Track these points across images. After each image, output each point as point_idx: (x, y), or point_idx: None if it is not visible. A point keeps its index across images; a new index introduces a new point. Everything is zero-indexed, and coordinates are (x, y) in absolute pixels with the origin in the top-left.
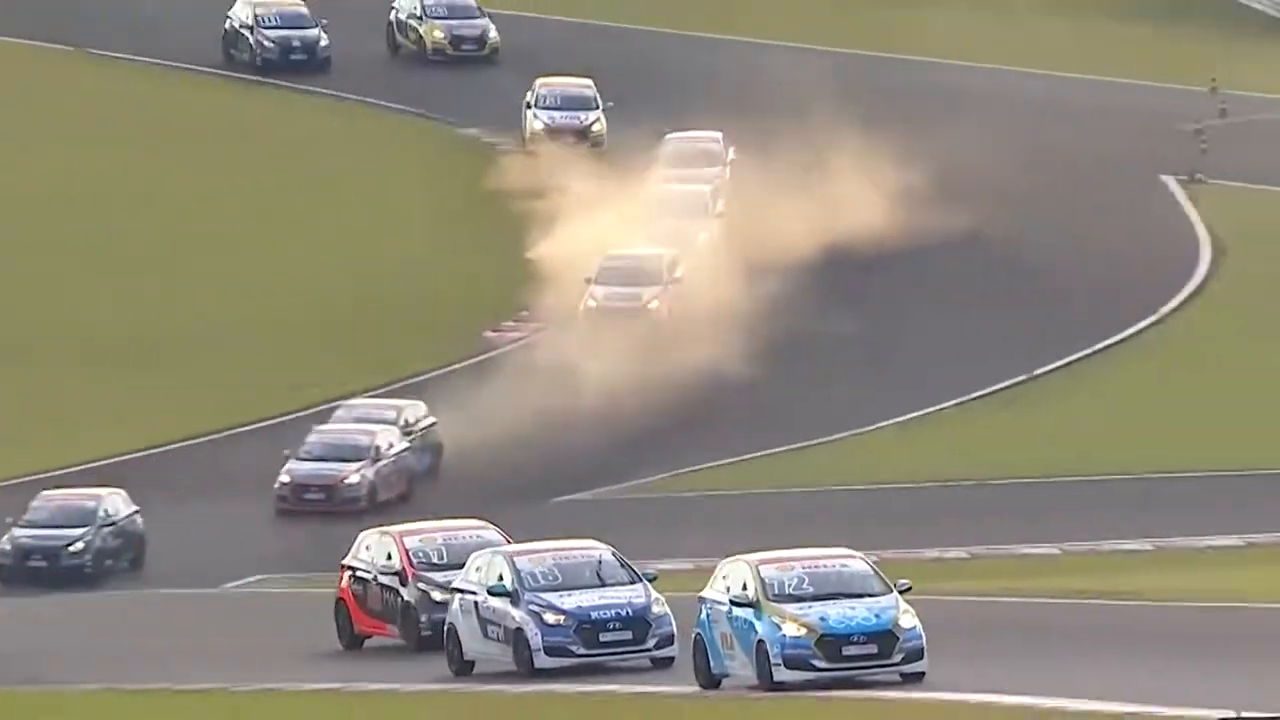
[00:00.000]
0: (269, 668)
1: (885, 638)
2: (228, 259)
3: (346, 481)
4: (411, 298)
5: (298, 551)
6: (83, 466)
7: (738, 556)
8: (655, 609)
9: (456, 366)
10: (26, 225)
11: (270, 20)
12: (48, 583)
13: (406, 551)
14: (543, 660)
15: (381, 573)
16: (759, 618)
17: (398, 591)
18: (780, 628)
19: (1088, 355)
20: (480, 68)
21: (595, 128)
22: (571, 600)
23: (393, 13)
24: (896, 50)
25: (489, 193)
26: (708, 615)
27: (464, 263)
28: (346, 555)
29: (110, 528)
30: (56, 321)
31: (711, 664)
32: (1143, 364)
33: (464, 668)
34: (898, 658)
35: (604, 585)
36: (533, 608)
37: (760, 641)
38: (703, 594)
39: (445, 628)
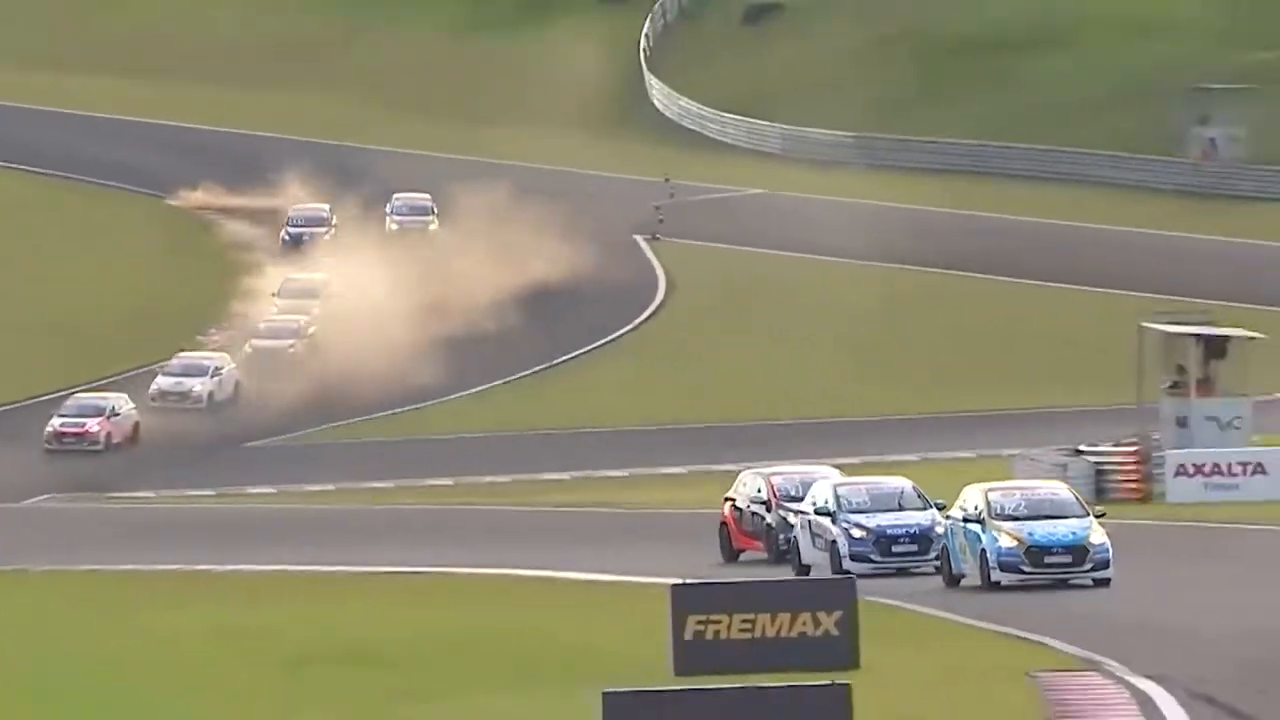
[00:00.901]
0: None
1: (1079, 550)
2: None
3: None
4: (130, 316)
5: (62, 477)
6: None
7: (974, 484)
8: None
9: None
10: None
11: None
12: None
13: (773, 487)
14: (849, 565)
15: (753, 503)
16: (984, 531)
17: (764, 517)
18: (998, 539)
19: (592, 349)
20: None
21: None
22: (874, 520)
23: None
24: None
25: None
26: (950, 529)
27: (180, 290)
28: (730, 489)
29: None
30: None
31: (953, 566)
32: (627, 356)
33: (802, 570)
34: (1088, 566)
35: (902, 510)
36: (844, 524)
37: (983, 550)
38: (949, 513)
39: (791, 541)
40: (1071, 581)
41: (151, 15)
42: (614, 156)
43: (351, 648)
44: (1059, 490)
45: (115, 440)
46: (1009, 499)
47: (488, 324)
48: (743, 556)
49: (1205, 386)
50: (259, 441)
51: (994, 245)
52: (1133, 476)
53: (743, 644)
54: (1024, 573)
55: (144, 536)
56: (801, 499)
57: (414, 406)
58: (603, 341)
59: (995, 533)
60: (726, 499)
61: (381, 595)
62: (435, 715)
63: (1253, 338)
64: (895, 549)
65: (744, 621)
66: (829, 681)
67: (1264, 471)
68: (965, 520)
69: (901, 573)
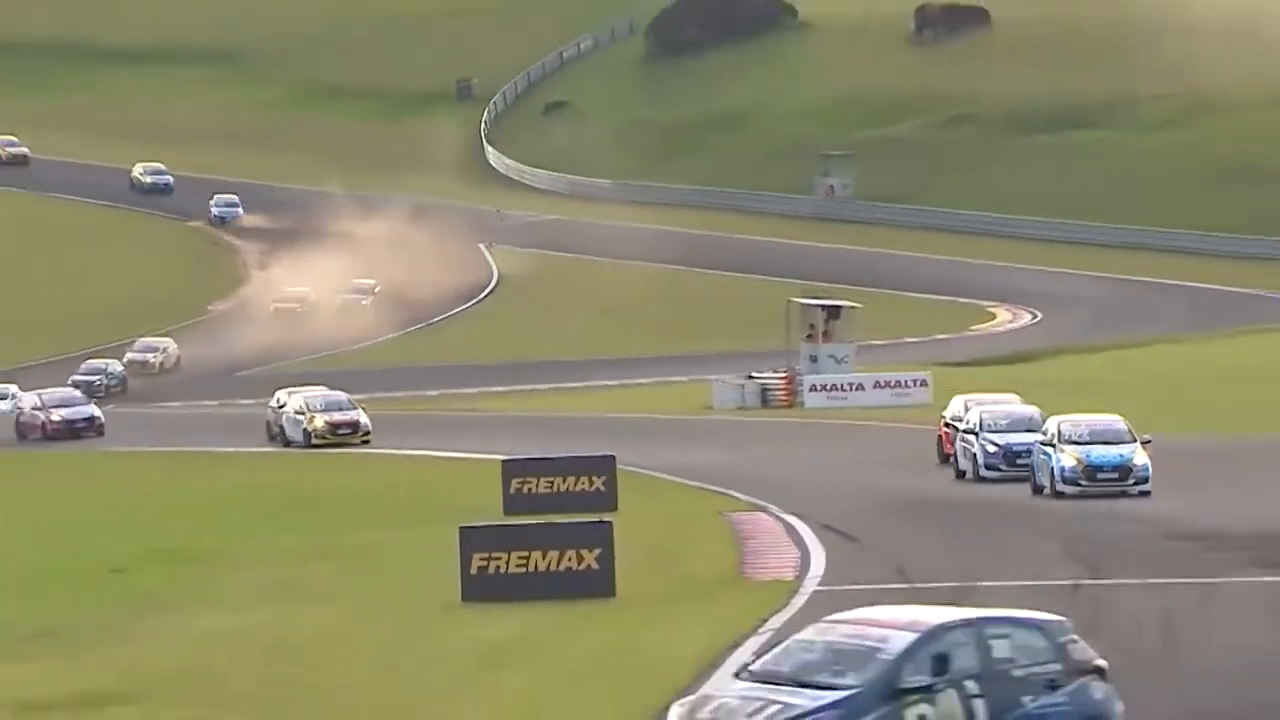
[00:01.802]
0: None
1: (1125, 470)
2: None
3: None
4: (155, 297)
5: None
6: None
7: (1056, 416)
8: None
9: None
10: None
11: None
12: None
13: (981, 417)
14: (984, 473)
15: (953, 420)
16: (1054, 452)
17: (958, 430)
18: (1062, 460)
19: (456, 312)
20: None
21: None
22: (1005, 439)
23: None
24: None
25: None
26: (1034, 449)
27: (188, 282)
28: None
29: None
30: None
31: (1036, 479)
32: (476, 318)
33: (959, 474)
34: (1132, 482)
35: (1029, 431)
36: (983, 441)
37: (1051, 468)
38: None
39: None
40: (1120, 493)
41: (165, 101)
42: (465, 195)
43: (303, 497)
44: (1116, 422)
45: (167, 367)
46: (1074, 428)
47: (392, 295)
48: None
49: (827, 336)
50: (247, 370)
51: (704, 251)
52: (785, 392)
53: (518, 576)
54: (1081, 486)
55: (188, 428)
56: (1000, 429)
57: (351, 348)
58: (462, 308)
59: (1061, 454)
60: (944, 419)
61: (326, 466)
62: (365, 539)
63: (854, 307)
64: (1019, 461)
65: (520, 557)
66: (598, 519)
67: (863, 388)
68: (1042, 444)
69: (1020, 480)
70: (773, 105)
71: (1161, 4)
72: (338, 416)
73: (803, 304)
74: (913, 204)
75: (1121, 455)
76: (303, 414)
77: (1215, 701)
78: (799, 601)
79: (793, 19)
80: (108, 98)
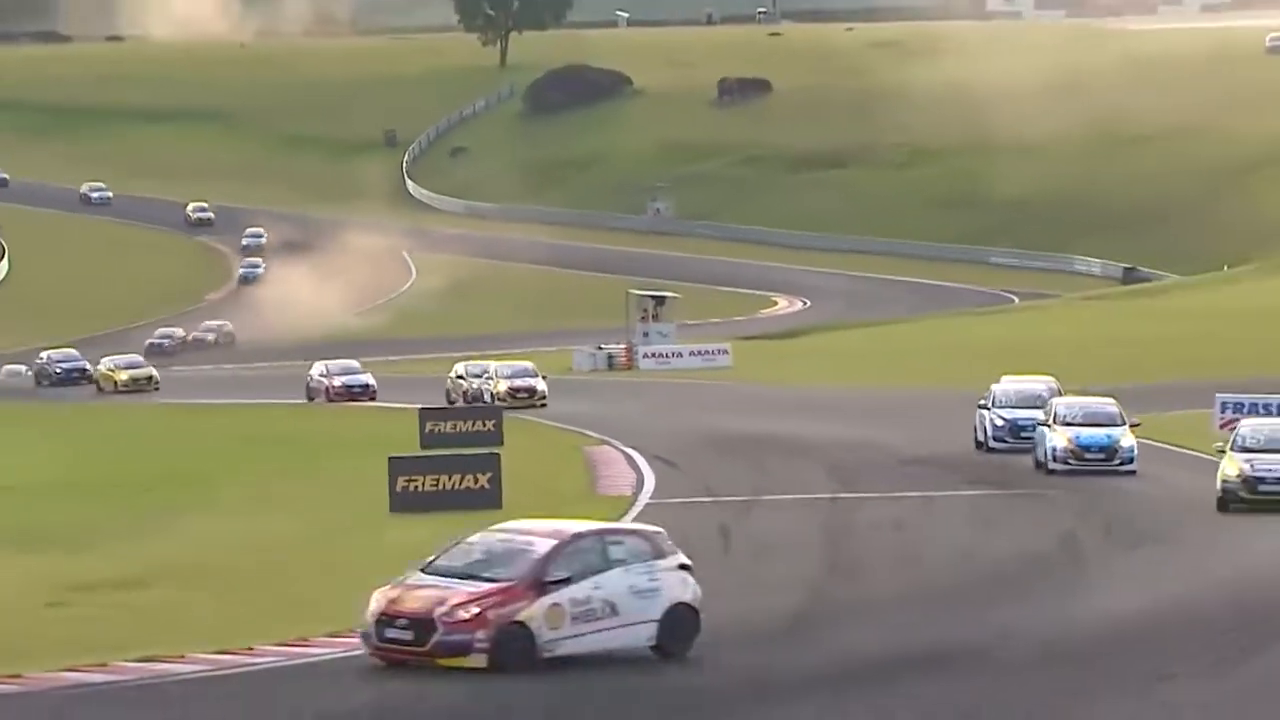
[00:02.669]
0: None
1: (1111, 450)
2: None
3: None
4: (163, 290)
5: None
6: None
7: (1059, 397)
8: (1124, 442)
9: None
10: None
11: None
12: None
13: (994, 392)
14: (992, 444)
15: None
16: (1048, 431)
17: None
18: (1054, 439)
19: (386, 301)
20: None
21: None
22: (1011, 414)
23: None
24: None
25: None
26: (1037, 427)
27: (189, 276)
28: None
29: None
30: None
31: (1037, 455)
32: (396, 309)
33: (978, 445)
34: (1117, 461)
35: (1036, 409)
36: (992, 415)
37: (1046, 446)
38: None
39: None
40: (1109, 472)
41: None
42: (389, 218)
43: (280, 435)
44: (1109, 405)
45: (222, 342)
46: (1068, 409)
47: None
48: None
49: (655, 318)
50: (257, 364)
51: (567, 256)
52: (625, 359)
53: (432, 494)
54: (1070, 465)
55: (237, 386)
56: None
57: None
58: (387, 299)
59: (1054, 434)
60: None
61: (300, 413)
62: (321, 466)
63: (674, 297)
64: (1022, 434)
65: (432, 480)
66: (490, 452)
67: (681, 356)
68: (1039, 424)
69: (1024, 452)
70: (615, 150)
71: (897, 76)
72: (518, 382)
73: (638, 295)
74: (716, 221)
75: (1109, 437)
76: (491, 378)
77: (934, 579)
78: (635, 510)
79: (630, 86)
80: (126, 146)
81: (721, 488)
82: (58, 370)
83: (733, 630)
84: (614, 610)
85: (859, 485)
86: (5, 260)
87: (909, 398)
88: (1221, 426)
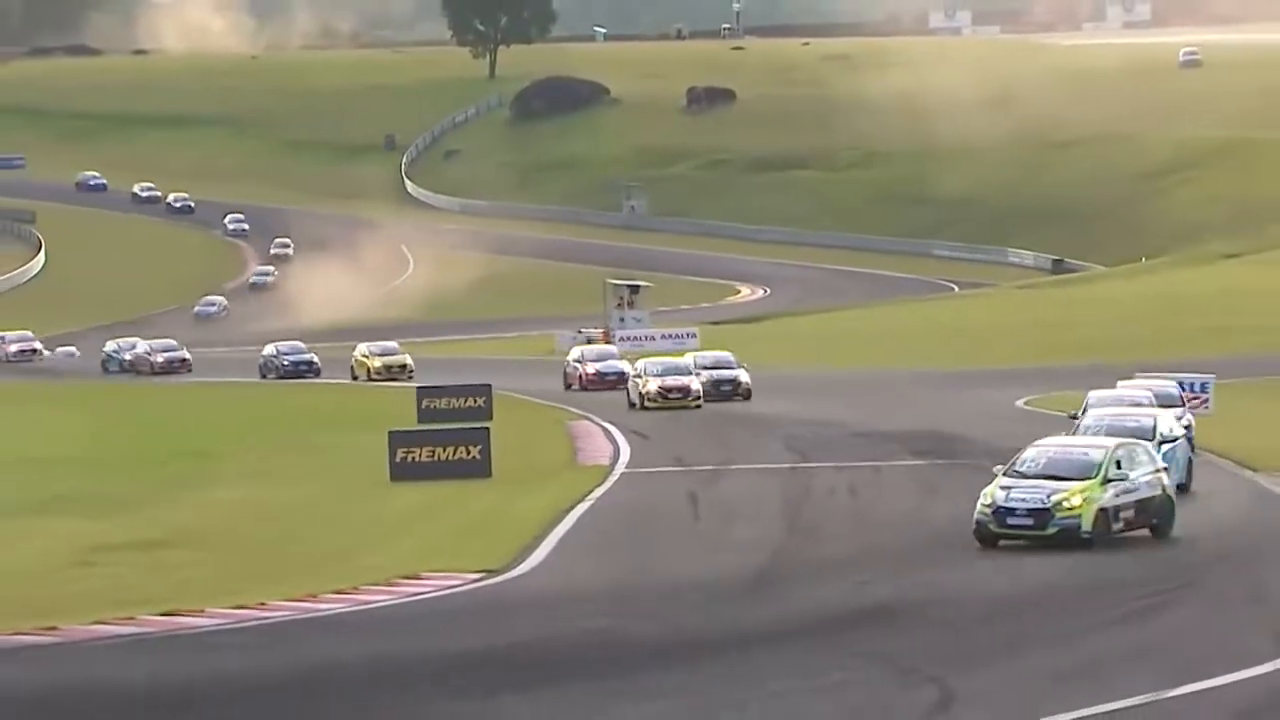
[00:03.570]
0: None
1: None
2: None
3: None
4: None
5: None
6: None
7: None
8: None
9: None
10: None
11: None
12: None
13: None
14: None
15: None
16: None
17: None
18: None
19: (396, 284)
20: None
21: None
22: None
23: None
24: None
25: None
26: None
27: (200, 268)
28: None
29: None
30: None
31: None
32: (403, 296)
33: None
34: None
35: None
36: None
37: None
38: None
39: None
40: None
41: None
42: (392, 213)
43: (287, 412)
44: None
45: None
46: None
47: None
48: None
49: (630, 305)
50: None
51: (550, 249)
52: (604, 339)
53: (428, 464)
54: None
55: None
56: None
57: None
58: (388, 287)
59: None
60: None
61: (305, 390)
62: (326, 439)
63: (648, 285)
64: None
65: (428, 451)
66: (480, 426)
67: (653, 339)
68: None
69: None
70: (593, 153)
71: (850, 86)
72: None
73: (614, 284)
74: (685, 218)
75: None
76: (640, 377)
77: (881, 540)
78: (613, 479)
79: (607, 95)
80: (142, 149)
81: (691, 458)
82: (285, 363)
83: (705, 587)
84: None
85: (815, 456)
86: (42, 253)
87: (860, 377)
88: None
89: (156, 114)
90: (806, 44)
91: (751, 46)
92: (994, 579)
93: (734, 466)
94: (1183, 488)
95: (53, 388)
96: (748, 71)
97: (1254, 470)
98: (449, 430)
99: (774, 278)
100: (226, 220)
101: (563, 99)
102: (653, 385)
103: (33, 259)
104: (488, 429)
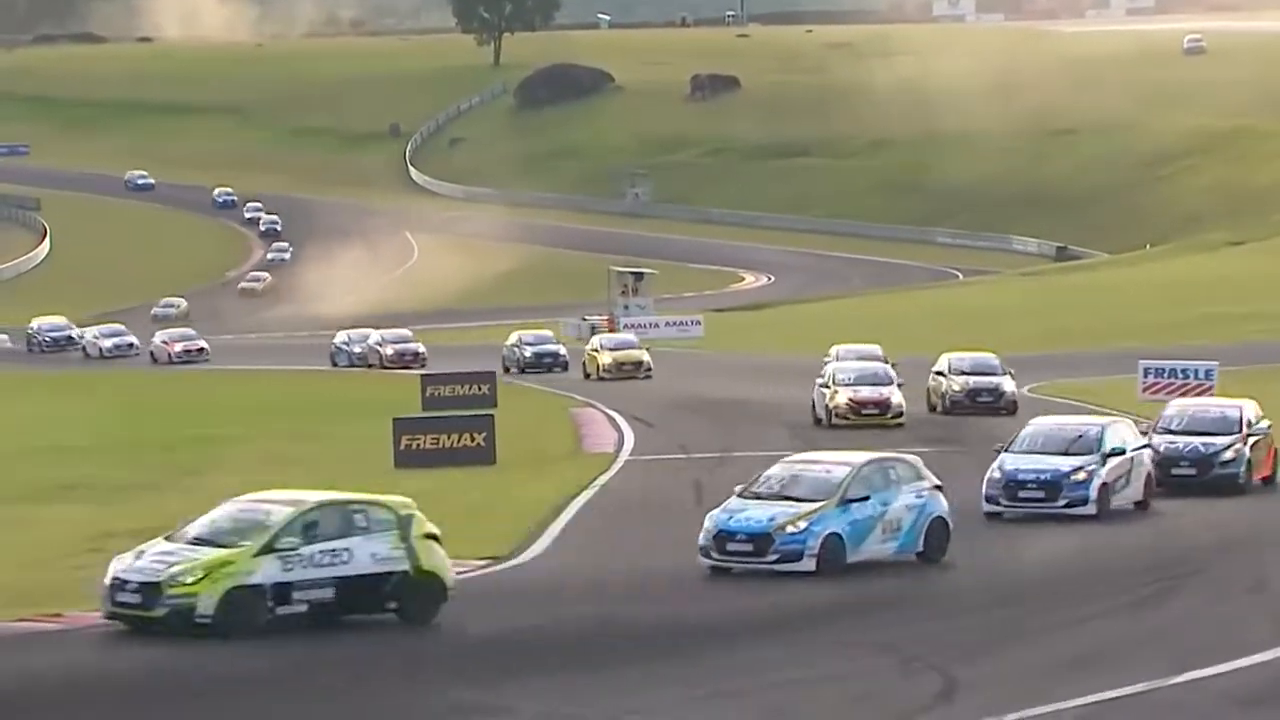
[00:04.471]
0: None
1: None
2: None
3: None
4: (197, 266)
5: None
6: None
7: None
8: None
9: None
10: None
11: None
12: None
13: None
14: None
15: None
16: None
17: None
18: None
19: (402, 270)
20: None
21: None
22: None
23: None
24: None
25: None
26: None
27: (214, 258)
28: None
29: None
30: None
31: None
32: (415, 279)
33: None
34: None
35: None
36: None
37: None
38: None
39: None
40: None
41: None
42: (396, 201)
43: (294, 399)
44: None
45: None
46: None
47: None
48: None
49: (635, 292)
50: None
51: (555, 236)
52: (609, 326)
53: (432, 451)
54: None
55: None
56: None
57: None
58: (394, 274)
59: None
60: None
61: (313, 378)
62: (333, 427)
63: (652, 273)
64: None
65: (432, 438)
66: (484, 413)
67: (658, 326)
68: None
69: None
70: (598, 141)
71: (853, 74)
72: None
73: (618, 271)
74: (689, 205)
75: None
76: (828, 387)
77: None
78: (617, 466)
79: (611, 83)
80: (153, 137)
81: (694, 445)
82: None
83: (708, 575)
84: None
85: (819, 443)
86: (48, 240)
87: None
88: (1145, 391)
89: (161, 102)
90: (810, 31)
91: (755, 34)
92: (997, 567)
93: (737, 454)
94: (1140, 505)
95: (90, 375)
96: (752, 59)
97: None
98: (453, 417)
99: (778, 265)
100: (245, 209)
101: (567, 87)
102: (842, 397)
103: (38, 246)
104: (492, 416)
